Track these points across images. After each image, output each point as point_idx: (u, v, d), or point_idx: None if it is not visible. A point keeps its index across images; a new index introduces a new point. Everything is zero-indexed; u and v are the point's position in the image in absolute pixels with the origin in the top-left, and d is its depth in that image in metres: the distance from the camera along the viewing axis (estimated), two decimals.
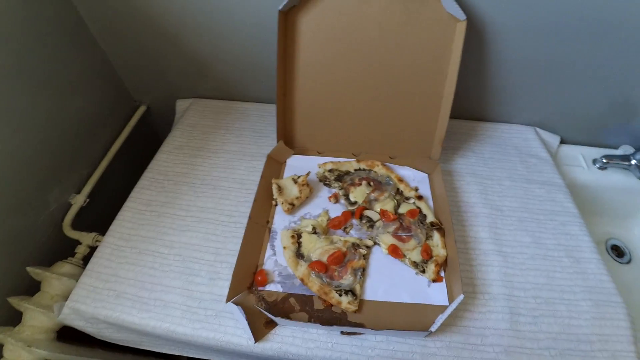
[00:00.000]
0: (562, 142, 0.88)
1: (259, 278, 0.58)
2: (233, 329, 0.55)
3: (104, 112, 0.87)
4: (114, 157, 0.87)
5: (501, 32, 0.70)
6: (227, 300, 0.55)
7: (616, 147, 0.86)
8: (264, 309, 0.55)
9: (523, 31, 0.69)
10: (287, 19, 0.67)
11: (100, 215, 0.82)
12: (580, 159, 0.85)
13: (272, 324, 0.55)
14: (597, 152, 0.85)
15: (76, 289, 0.60)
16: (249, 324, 0.53)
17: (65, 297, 0.60)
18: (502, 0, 0.65)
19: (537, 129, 0.88)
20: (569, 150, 0.87)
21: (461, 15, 0.62)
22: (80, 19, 0.77)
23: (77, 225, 0.75)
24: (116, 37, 0.82)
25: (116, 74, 0.90)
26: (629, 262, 0.83)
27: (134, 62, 0.88)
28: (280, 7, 0.63)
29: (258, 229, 0.65)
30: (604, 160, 0.82)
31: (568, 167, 0.83)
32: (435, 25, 0.65)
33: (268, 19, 0.71)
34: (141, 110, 0.97)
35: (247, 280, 0.59)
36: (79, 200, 0.77)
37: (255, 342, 0.54)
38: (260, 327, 0.55)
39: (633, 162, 0.80)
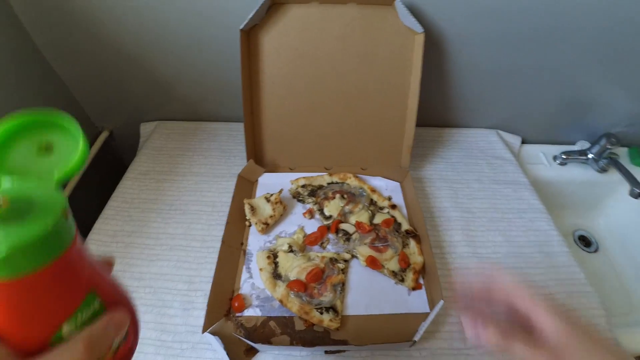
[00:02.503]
0: (524, 142, 0.92)
1: (236, 304, 0.56)
2: None
3: None
4: (75, 187, 0.83)
5: (457, 43, 0.73)
6: (204, 331, 0.52)
7: (573, 143, 0.91)
8: (243, 336, 0.52)
9: (477, 41, 0.72)
10: (250, 37, 0.67)
11: None
12: (542, 157, 0.89)
13: (252, 351, 0.53)
14: (557, 149, 0.89)
15: None
16: (228, 353, 0.50)
17: None
18: (456, 12, 0.68)
19: (499, 131, 0.91)
20: (530, 149, 0.91)
21: (418, 28, 0.64)
22: (31, 41, 0.73)
23: None
24: (72, 62, 0.79)
25: (74, 99, 0.86)
26: (596, 250, 0.87)
27: (92, 86, 0.85)
28: (241, 27, 0.63)
29: (232, 252, 0.63)
30: (564, 157, 0.86)
31: (531, 165, 0.87)
32: (395, 39, 0.67)
33: (232, 37, 0.70)
34: (103, 136, 0.94)
35: (223, 308, 0.56)
36: None
37: None
38: (240, 356, 0.52)
39: (590, 155, 0.84)
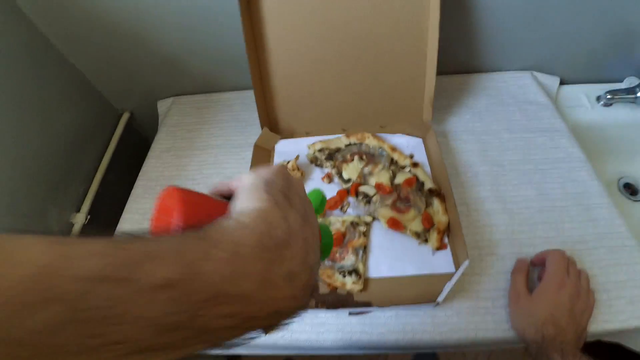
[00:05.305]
0: (562, 82, 0.83)
1: None
2: None
3: (89, 125, 0.85)
4: (107, 169, 0.86)
5: None
6: None
7: (620, 81, 0.80)
8: None
9: None
10: None
11: (103, 231, 0.82)
12: (583, 98, 0.80)
13: None
14: (600, 89, 0.80)
15: None
16: None
17: None
18: None
19: (534, 73, 0.82)
20: (569, 90, 0.82)
21: None
22: (42, 36, 0.74)
23: None
24: (83, 48, 0.79)
25: (92, 86, 0.88)
26: None
27: (107, 70, 0.85)
28: None
29: None
30: (608, 96, 0.77)
31: (570, 108, 0.79)
32: None
33: (233, 3, 0.67)
34: (125, 117, 0.96)
35: None
36: (79, 219, 0.77)
37: (265, 334, 0.53)
38: None
39: (639, 94, 0.75)
